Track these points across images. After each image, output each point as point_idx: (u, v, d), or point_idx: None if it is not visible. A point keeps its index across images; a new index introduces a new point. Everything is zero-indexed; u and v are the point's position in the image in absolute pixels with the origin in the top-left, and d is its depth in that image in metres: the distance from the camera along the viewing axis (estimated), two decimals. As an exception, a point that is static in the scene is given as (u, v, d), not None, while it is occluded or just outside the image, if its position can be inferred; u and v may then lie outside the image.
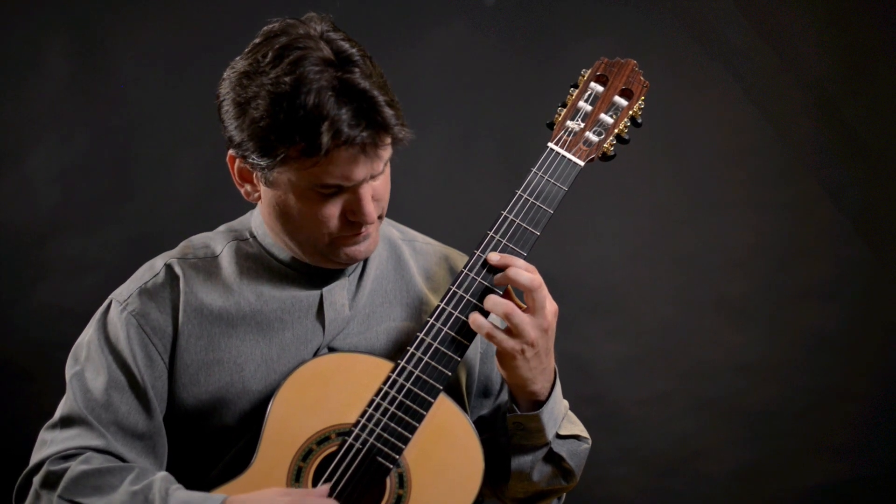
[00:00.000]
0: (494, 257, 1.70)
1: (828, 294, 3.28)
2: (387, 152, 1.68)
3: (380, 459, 1.66)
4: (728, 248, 3.30)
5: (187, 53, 3.18)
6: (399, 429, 1.67)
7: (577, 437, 1.81)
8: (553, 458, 1.78)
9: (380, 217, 1.75)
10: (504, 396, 1.88)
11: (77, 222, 3.15)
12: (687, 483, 3.27)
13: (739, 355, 3.29)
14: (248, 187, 1.76)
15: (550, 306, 1.69)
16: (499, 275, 1.69)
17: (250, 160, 1.68)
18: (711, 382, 3.28)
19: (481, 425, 1.81)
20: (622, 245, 3.30)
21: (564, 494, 1.88)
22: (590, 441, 1.84)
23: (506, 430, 1.76)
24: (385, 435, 1.67)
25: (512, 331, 1.67)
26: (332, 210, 1.69)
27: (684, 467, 3.28)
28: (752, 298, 3.29)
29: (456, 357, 1.69)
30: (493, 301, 1.67)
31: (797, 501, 3.28)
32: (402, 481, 1.68)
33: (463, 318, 1.70)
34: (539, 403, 1.73)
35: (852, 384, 3.27)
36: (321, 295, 1.80)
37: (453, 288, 1.71)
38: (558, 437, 1.77)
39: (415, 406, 1.67)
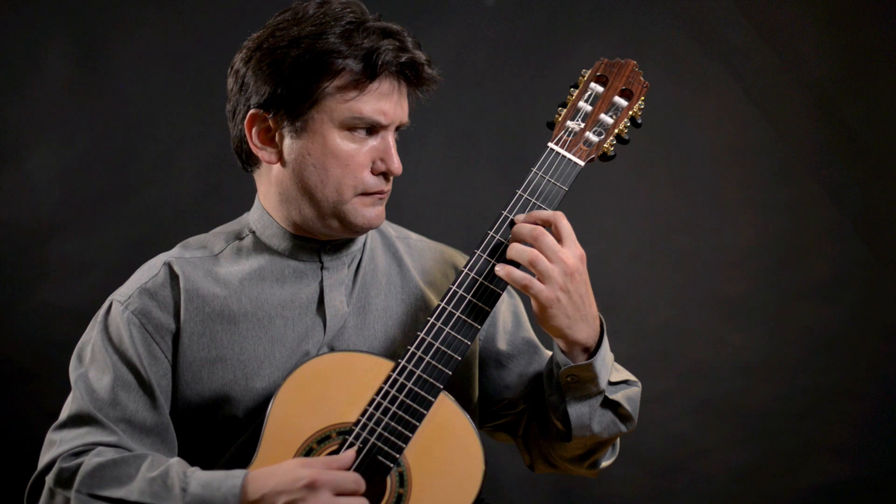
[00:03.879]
0: (521, 217, 1.71)
1: (828, 294, 3.28)
2: (408, 107, 1.78)
3: (380, 458, 1.67)
4: (728, 248, 3.30)
5: (187, 53, 3.18)
6: (400, 428, 1.67)
7: (626, 381, 1.84)
8: (610, 405, 1.80)
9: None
10: (522, 363, 1.90)
11: (77, 222, 3.15)
12: (687, 483, 3.28)
13: (739, 355, 3.29)
14: (268, 149, 1.78)
15: (573, 250, 1.68)
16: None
17: (283, 108, 1.72)
18: (711, 382, 3.28)
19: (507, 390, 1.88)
20: (622, 245, 3.30)
21: (618, 441, 1.91)
22: (639, 384, 1.87)
23: (559, 386, 1.76)
24: (386, 434, 1.67)
25: (540, 279, 1.67)
26: (364, 158, 1.74)
27: (684, 467, 3.28)
28: (752, 298, 3.29)
29: (457, 356, 1.69)
30: (517, 250, 1.68)
31: (797, 501, 3.28)
32: (402, 480, 1.68)
33: (463, 317, 1.71)
34: (589, 353, 1.74)
35: (852, 384, 3.27)
36: (321, 291, 1.80)
37: (453, 287, 1.72)
38: (609, 383, 1.79)
39: (415, 405, 1.68)
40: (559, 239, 1.68)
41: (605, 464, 1.90)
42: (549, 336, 1.76)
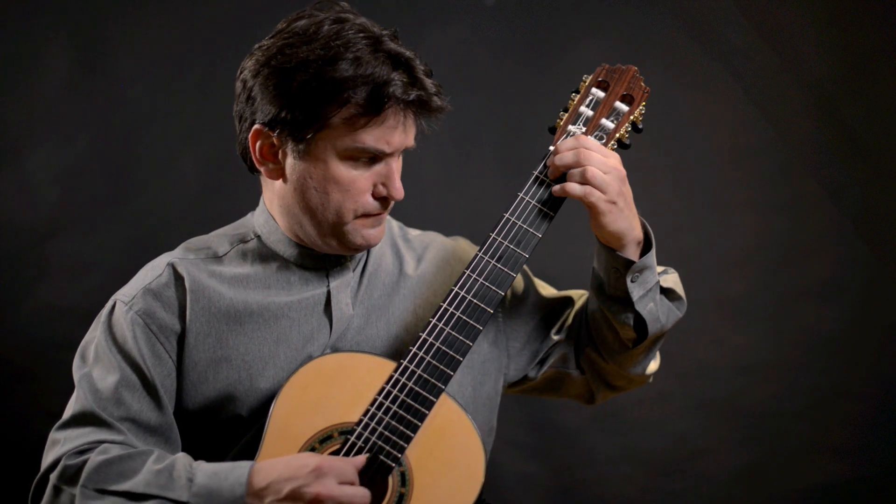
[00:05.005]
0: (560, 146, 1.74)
1: (828, 294, 3.28)
2: (414, 132, 1.76)
3: (382, 458, 1.67)
4: (728, 248, 3.30)
5: (187, 53, 3.18)
6: (402, 428, 1.67)
7: (665, 270, 1.88)
8: (664, 292, 1.83)
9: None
10: (553, 316, 1.93)
11: (77, 222, 3.16)
12: (687, 483, 3.28)
13: (739, 355, 3.29)
14: (271, 165, 1.77)
15: (611, 160, 1.73)
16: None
17: (287, 130, 1.71)
18: (711, 382, 3.28)
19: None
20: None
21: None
22: (673, 269, 1.91)
23: (622, 293, 1.78)
24: (388, 434, 1.67)
25: (599, 189, 1.71)
26: (365, 183, 1.73)
27: (684, 467, 3.28)
28: (752, 298, 3.29)
29: (458, 357, 1.70)
30: (570, 170, 1.71)
31: (797, 501, 3.28)
32: (404, 480, 1.68)
33: (465, 318, 1.71)
34: (641, 245, 1.78)
35: (852, 384, 3.27)
36: (328, 293, 1.81)
37: (455, 289, 1.72)
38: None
39: (417, 405, 1.68)
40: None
41: (654, 366, 1.94)
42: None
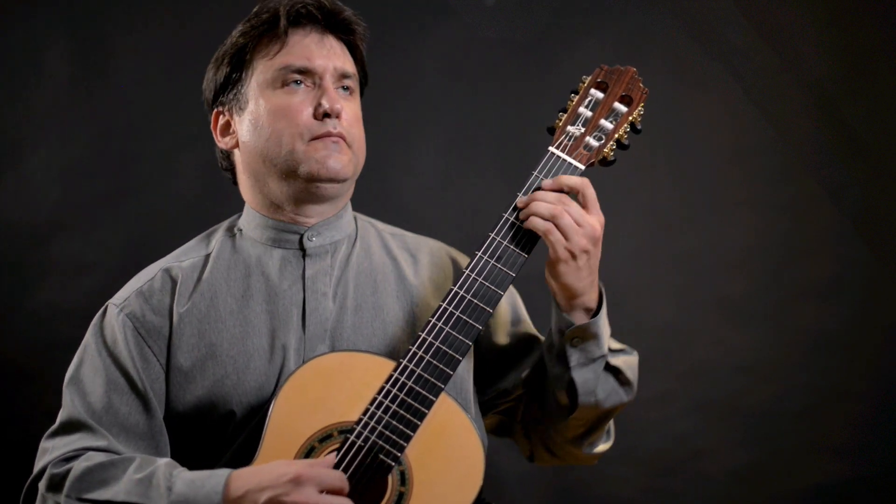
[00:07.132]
0: (547, 183, 1.74)
1: (828, 294, 3.28)
2: (348, 60, 1.83)
3: (382, 457, 1.67)
4: (728, 248, 3.30)
5: (187, 53, 3.17)
6: (401, 426, 1.68)
7: (623, 349, 1.86)
8: (611, 371, 1.82)
9: (350, 146, 1.82)
10: (520, 354, 1.92)
11: (77, 222, 3.15)
12: (687, 483, 3.28)
13: (739, 355, 3.28)
14: (228, 138, 1.86)
15: (598, 217, 1.74)
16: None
17: (226, 93, 1.83)
18: (711, 382, 3.28)
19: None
20: (622, 245, 3.29)
21: (612, 426, 1.93)
22: (636, 354, 1.88)
23: (563, 355, 1.77)
24: (387, 433, 1.67)
25: (563, 233, 1.71)
26: (302, 105, 1.78)
27: (684, 467, 3.28)
28: (752, 298, 3.29)
29: (458, 356, 1.70)
30: (537, 206, 1.71)
31: (797, 501, 3.28)
32: (403, 479, 1.68)
33: (464, 317, 1.71)
34: (591, 313, 1.77)
35: (852, 384, 3.27)
36: (303, 282, 1.82)
37: (454, 288, 1.72)
38: (609, 350, 1.81)
39: (417, 404, 1.68)
40: (585, 205, 1.73)
41: (602, 447, 1.92)
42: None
